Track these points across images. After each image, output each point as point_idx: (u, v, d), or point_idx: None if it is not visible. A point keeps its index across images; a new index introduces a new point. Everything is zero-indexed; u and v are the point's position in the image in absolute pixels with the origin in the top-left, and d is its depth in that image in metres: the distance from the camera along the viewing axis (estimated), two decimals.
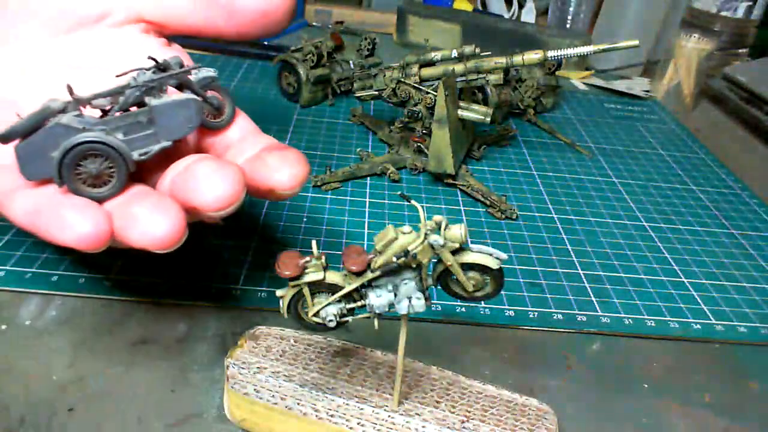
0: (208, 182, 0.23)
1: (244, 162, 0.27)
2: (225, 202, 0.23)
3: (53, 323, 0.34)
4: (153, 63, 0.27)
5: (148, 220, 0.23)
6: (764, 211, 0.56)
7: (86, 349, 0.33)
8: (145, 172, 0.27)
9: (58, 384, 0.31)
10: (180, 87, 0.28)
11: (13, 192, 0.25)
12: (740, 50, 0.90)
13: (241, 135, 0.30)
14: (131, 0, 0.30)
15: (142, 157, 0.25)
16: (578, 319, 0.40)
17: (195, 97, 0.27)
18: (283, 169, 0.26)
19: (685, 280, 0.45)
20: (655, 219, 0.53)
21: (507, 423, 0.28)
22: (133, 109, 0.26)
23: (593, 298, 0.42)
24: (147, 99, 0.26)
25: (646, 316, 0.40)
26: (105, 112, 0.26)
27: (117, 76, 0.27)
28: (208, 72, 0.29)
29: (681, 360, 0.38)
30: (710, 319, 0.41)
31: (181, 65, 0.28)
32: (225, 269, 0.40)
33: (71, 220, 0.23)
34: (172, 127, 0.26)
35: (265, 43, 0.85)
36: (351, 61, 0.68)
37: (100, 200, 0.25)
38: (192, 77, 0.28)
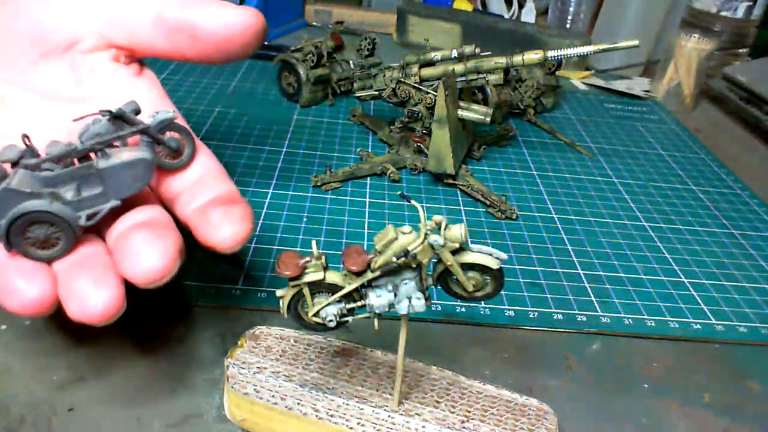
0: (140, 255, 0.24)
1: (192, 211, 0.28)
2: (156, 275, 0.24)
3: (53, 323, 0.34)
4: (108, 112, 0.27)
5: (88, 296, 0.23)
6: (764, 211, 0.56)
7: (86, 349, 0.33)
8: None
9: (58, 384, 0.31)
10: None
11: None
12: (740, 50, 0.90)
13: (199, 176, 0.30)
14: (100, 27, 0.31)
15: (90, 222, 0.26)
16: (578, 319, 0.40)
17: (145, 156, 0.27)
18: (223, 228, 0.26)
19: (685, 280, 0.45)
20: (655, 219, 0.53)
21: (507, 423, 0.28)
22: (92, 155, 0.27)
23: (593, 298, 0.42)
24: (95, 160, 0.26)
25: (646, 316, 0.40)
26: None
27: (74, 120, 0.28)
28: (166, 114, 0.29)
29: (681, 360, 0.38)
30: (710, 319, 0.41)
31: (137, 111, 0.28)
32: (225, 269, 0.40)
33: (17, 285, 0.23)
34: (121, 186, 0.27)
35: (265, 43, 0.85)
36: (351, 61, 0.68)
37: (48, 261, 0.25)
38: (149, 120, 0.28)
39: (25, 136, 0.26)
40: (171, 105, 0.33)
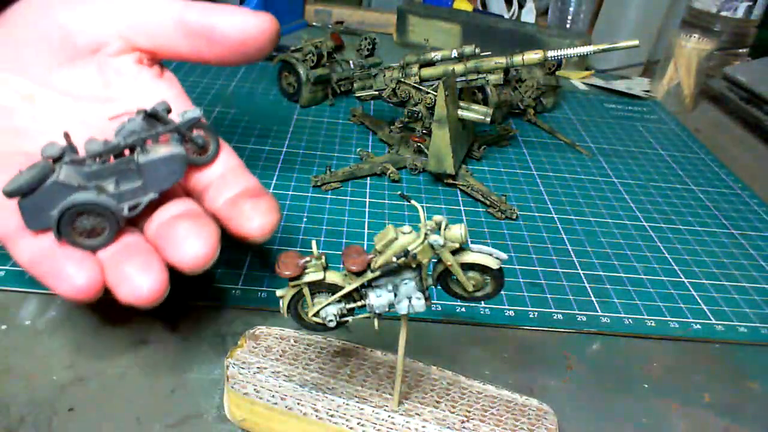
0: (186, 243, 0.26)
1: (222, 204, 0.30)
2: (201, 261, 0.26)
3: (53, 323, 0.34)
4: (143, 111, 0.29)
5: (136, 280, 0.25)
6: (764, 211, 0.56)
7: (86, 349, 0.33)
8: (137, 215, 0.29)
9: (58, 384, 0.31)
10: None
11: (17, 233, 0.27)
12: (740, 50, 0.90)
13: (224, 171, 0.31)
14: (125, 31, 0.32)
15: (132, 213, 0.28)
16: (578, 319, 0.40)
17: (180, 151, 0.29)
18: (255, 219, 0.28)
19: (685, 280, 0.45)
20: (655, 219, 0.53)
21: (507, 423, 0.28)
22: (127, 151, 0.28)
23: (593, 298, 0.42)
24: (135, 155, 0.28)
25: (646, 316, 0.40)
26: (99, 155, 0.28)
27: (110, 119, 0.29)
28: (194, 113, 0.30)
29: (681, 360, 0.38)
30: (710, 319, 0.41)
31: (168, 110, 0.30)
32: (225, 269, 0.40)
33: (68, 272, 0.25)
34: (159, 180, 0.28)
35: None
36: (351, 61, 0.68)
37: (94, 249, 0.27)
38: (178, 119, 0.30)
39: (66, 134, 0.27)
40: (190, 104, 0.34)
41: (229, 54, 0.32)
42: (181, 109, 0.31)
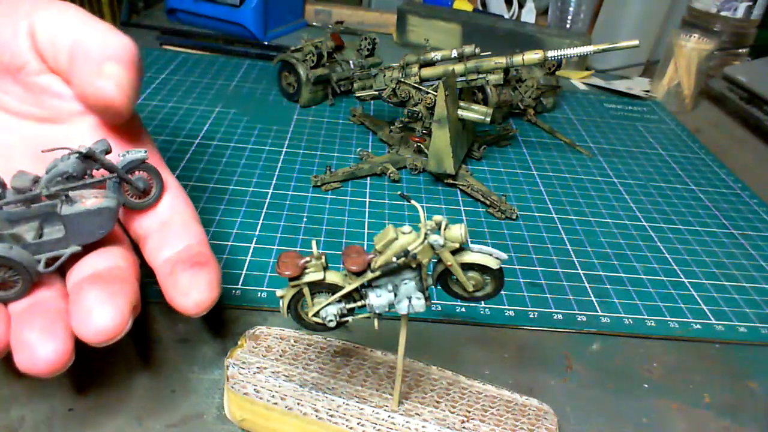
0: (92, 314, 0.23)
1: (161, 264, 0.28)
2: (104, 336, 0.23)
3: None
4: (77, 151, 0.27)
5: (35, 348, 0.23)
6: (764, 211, 0.56)
7: (86, 350, 0.33)
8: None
9: (58, 384, 0.31)
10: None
11: None
12: (740, 50, 0.90)
13: (168, 218, 0.30)
14: (44, 50, 0.30)
15: (48, 269, 0.26)
16: (578, 319, 0.40)
17: (109, 204, 0.27)
18: (191, 295, 0.26)
19: (685, 280, 0.45)
20: (655, 219, 0.53)
21: (507, 423, 0.28)
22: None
23: (593, 298, 0.42)
24: (58, 206, 0.26)
25: (646, 316, 0.40)
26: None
27: (42, 151, 0.27)
28: (137, 155, 0.29)
29: (681, 360, 0.38)
30: (710, 319, 0.41)
31: (107, 150, 0.28)
32: (225, 269, 0.40)
33: None
34: (83, 232, 0.27)
35: (265, 43, 0.85)
36: (351, 61, 0.68)
37: (4, 302, 0.25)
38: (119, 160, 0.29)
39: None
40: (141, 139, 0.32)
41: (95, 111, 0.30)
42: (129, 147, 0.30)
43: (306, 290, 0.25)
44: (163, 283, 0.27)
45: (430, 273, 0.26)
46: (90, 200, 0.27)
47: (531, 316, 0.39)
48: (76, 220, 0.26)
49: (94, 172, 0.28)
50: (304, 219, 0.47)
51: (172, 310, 0.36)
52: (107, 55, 0.28)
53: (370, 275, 0.24)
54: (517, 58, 0.51)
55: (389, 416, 0.28)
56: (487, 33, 0.88)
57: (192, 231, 0.30)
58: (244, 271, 0.40)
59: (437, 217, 0.24)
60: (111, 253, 0.28)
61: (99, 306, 0.24)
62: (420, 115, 0.53)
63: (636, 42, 0.49)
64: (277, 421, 0.28)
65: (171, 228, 0.30)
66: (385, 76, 0.55)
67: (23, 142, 0.30)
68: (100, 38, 0.29)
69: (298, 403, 0.28)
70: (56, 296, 0.26)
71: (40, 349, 0.23)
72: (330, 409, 0.28)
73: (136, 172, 0.29)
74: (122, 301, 0.24)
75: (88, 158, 0.27)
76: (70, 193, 0.27)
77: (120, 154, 0.29)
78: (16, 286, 0.25)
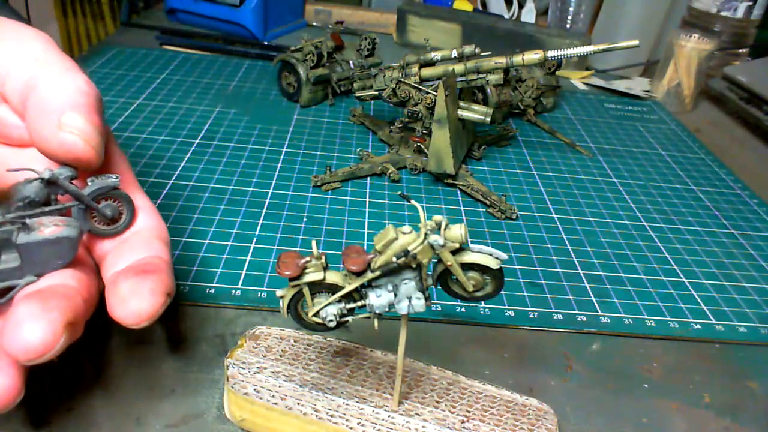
0: (22, 329, 0.21)
1: (108, 279, 0.26)
2: (33, 353, 0.21)
3: None
4: (40, 177, 0.25)
5: None
6: (764, 211, 0.56)
7: (86, 350, 0.33)
8: None
9: (58, 384, 0.31)
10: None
11: None
12: (740, 50, 0.90)
13: (128, 236, 0.29)
14: None
15: (1, 300, 0.24)
16: (578, 319, 0.40)
17: (69, 234, 0.25)
18: (129, 303, 0.24)
19: (685, 280, 0.45)
20: (655, 219, 0.53)
21: (507, 423, 0.28)
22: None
23: (593, 298, 0.42)
24: (14, 233, 0.24)
25: (646, 316, 0.40)
26: None
27: (7, 170, 0.26)
28: (106, 182, 0.27)
29: (681, 360, 0.38)
30: (710, 319, 0.41)
31: (74, 176, 0.26)
32: (225, 269, 0.40)
33: None
34: (41, 262, 0.25)
35: (265, 43, 0.85)
36: (351, 61, 0.68)
37: None
38: (87, 186, 0.27)
39: None
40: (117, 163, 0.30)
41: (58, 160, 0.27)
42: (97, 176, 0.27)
43: (306, 290, 0.25)
44: (106, 296, 0.25)
45: (430, 273, 0.26)
46: (49, 228, 0.25)
47: (531, 316, 0.39)
48: (33, 249, 0.24)
49: (60, 197, 0.27)
50: (304, 219, 0.47)
51: (173, 311, 0.36)
52: (66, 105, 0.26)
53: (370, 275, 0.24)
54: (517, 58, 0.51)
55: (389, 416, 0.28)
56: (487, 33, 0.88)
57: (154, 247, 0.28)
58: (244, 271, 0.40)
59: (437, 217, 0.24)
60: (61, 274, 0.26)
61: (29, 319, 0.22)
62: (420, 115, 0.53)
63: (636, 42, 0.49)
64: (277, 421, 0.28)
65: (129, 245, 0.28)
66: (385, 76, 0.55)
67: None
68: (56, 82, 0.27)
69: (298, 403, 0.28)
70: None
71: None
72: (330, 409, 0.28)
73: (106, 199, 0.28)
74: (55, 315, 0.22)
75: (52, 184, 0.26)
76: (29, 221, 0.25)
77: (89, 179, 0.27)
78: None
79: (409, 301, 0.24)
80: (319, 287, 0.25)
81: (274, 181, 0.51)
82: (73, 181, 0.27)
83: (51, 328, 0.22)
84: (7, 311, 0.24)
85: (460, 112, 0.52)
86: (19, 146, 0.29)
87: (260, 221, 0.46)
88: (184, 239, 0.42)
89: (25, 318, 0.22)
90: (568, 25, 0.97)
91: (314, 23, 0.98)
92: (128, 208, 0.29)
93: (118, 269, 0.27)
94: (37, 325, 0.22)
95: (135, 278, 0.25)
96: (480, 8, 1.08)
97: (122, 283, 0.25)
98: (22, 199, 0.25)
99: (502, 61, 0.51)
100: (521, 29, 0.87)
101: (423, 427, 0.27)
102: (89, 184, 0.27)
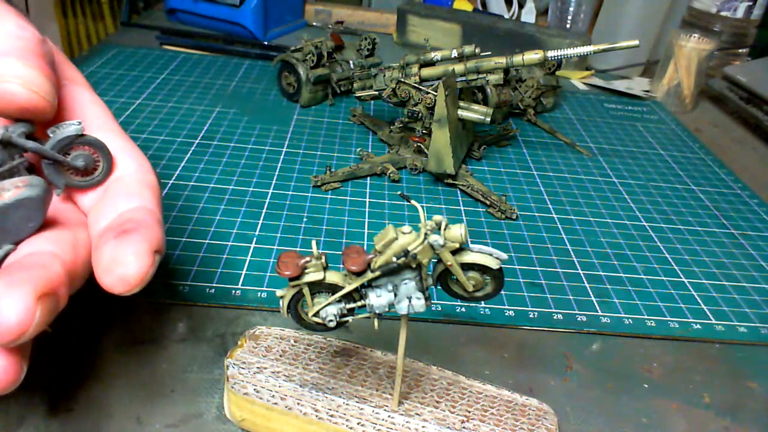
0: None
1: (94, 238, 0.24)
2: (10, 333, 0.20)
3: (52, 324, 0.34)
4: None
5: None
6: (764, 211, 0.56)
7: (86, 349, 0.33)
8: None
9: (58, 384, 0.31)
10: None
11: None
12: (740, 50, 0.90)
13: (108, 184, 0.26)
14: None
15: None
16: (578, 319, 0.40)
17: (32, 193, 0.23)
18: (113, 270, 0.22)
19: (685, 280, 0.45)
20: (655, 219, 0.53)
21: (507, 423, 0.28)
22: None
23: (593, 298, 0.42)
24: None
25: (646, 316, 0.40)
26: None
27: None
28: (67, 130, 0.25)
29: (681, 360, 0.38)
30: (710, 319, 0.41)
31: (30, 134, 0.24)
32: (224, 269, 0.40)
33: None
34: (11, 230, 0.23)
35: (265, 43, 0.85)
36: (351, 61, 0.68)
37: None
38: (49, 139, 0.25)
39: None
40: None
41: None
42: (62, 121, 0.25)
43: (306, 290, 0.25)
44: (92, 262, 0.23)
45: (430, 273, 0.26)
46: (9, 192, 0.23)
47: (531, 316, 0.39)
48: None
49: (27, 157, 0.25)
50: (304, 219, 0.47)
51: (172, 311, 0.36)
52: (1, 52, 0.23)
53: (370, 275, 0.24)
54: (517, 58, 0.51)
55: (389, 416, 0.28)
56: (487, 33, 0.88)
57: (137, 194, 0.26)
58: (244, 271, 0.40)
59: (437, 217, 0.24)
60: (40, 239, 0.24)
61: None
62: (420, 115, 0.53)
63: (636, 42, 0.49)
64: (277, 421, 0.28)
65: (109, 196, 0.26)
66: (385, 76, 0.55)
67: None
68: None
69: (298, 403, 0.28)
70: None
71: None
72: (330, 409, 0.28)
73: (75, 148, 0.25)
74: (24, 291, 0.20)
75: (7, 144, 0.24)
76: None
77: (49, 130, 0.25)
78: None
79: (409, 301, 0.24)
80: (319, 287, 0.25)
81: (274, 181, 0.51)
82: (34, 136, 0.24)
83: (21, 304, 0.20)
84: None
85: (460, 112, 0.52)
86: None
87: (260, 221, 0.46)
88: (184, 239, 0.42)
89: None
90: (568, 25, 0.97)
91: (314, 23, 0.98)
92: (104, 155, 0.26)
93: (100, 228, 0.24)
94: (6, 304, 0.20)
95: (115, 241, 0.23)
96: (480, 8, 1.08)
97: (103, 246, 0.23)
98: None
99: (502, 61, 0.51)
100: (521, 29, 0.87)
101: (423, 427, 0.27)
102: (50, 136, 0.25)
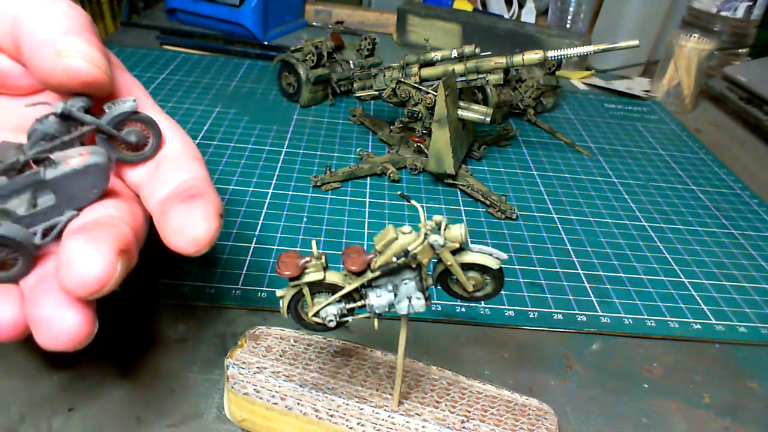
0: (74, 265, 0.21)
1: (154, 207, 0.26)
2: (92, 284, 0.21)
3: None
4: (52, 112, 0.25)
5: (52, 322, 0.22)
6: (764, 211, 0.56)
7: (87, 349, 0.33)
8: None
9: (58, 384, 0.31)
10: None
11: None
12: (740, 50, 0.90)
13: (158, 159, 0.28)
14: None
15: (46, 239, 0.24)
16: (578, 319, 0.40)
17: (97, 160, 0.24)
18: (186, 231, 0.23)
19: (685, 280, 0.45)
20: (655, 219, 0.53)
21: (507, 423, 0.28)
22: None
23: (593, 298, 0.42)
24: (41, 170, 0.24)
25: (646, 316, 0.40)
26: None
27: (26, 105, 0.26)
28: (123, 106, 0.26)
29: (681, 360, 0.38)
30: (710, 319, 0.41)
31: (88, 106, 0.26)
32: (224, 269, 0.40)
33: None
34: (75, 196, 0.24)
35: (265, 43, 0.85)
36: (351, 61, 0.68)
37: (10, 281, 0.24)
38: (105, 114, 0.26)
39: None
40: (130, 87, 0.29)
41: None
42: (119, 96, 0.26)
43: (306, 290, 0.25)
44: (158, 226, 0.24)
45: (430, 273, 0.26)
46: (75, 159, 0.24)
47: (531, 316, 0.39)
48: (64, 183, 0.24)
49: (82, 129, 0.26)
50: (304, 219, 0.47)
51: (172, 311, 0.36)
52: (57, 31, 0.25)
53: (370, 275, 0.24)
54: (517, 58, 0.51)
55: (389, 416, 0.28)
56: (487, 33, 0.88)
57: (187, 167, 0.27)
58: (244, 271, 0.40)
59: (437, 217, 0.24)
60: (102, 205, 0.25)
61: (79, 253, 0.21)
62: (420, 115, 0.53)
63: (636, 42, 0.49)
64: (277, 421, 0.28)
65: (163, 168, 0.27)
66: (385, 76, 0.55)
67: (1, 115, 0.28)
68: (39, 12, 0.25)
69: (298, 403, 0.28)
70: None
71: (59, 323, 0.22)
72: (330, 409, 0.28)
73: (128, 124, 0.27)
74: (106, 245, 0.21)
75: (67, 117, 0.25)
76: (54, 156, 0.24)
77: (105, 106, 0.26)
78: (17, 263, 0.24)
79: (409, 301, 0.24)
80: (319, 287, 0.25)
81: (274, 181, 0.51)
82: (91, 111, 0.26)
83: (103, 257, 0.21)
84: (56, 251, 0.24)
85: (460, 112, 0.52)
86: (32, 93, 0.28)
87: (260, 221, 0.46)
88: None
89: (75, 253, 0.21)
90: (568, 25, 0.97)
91: (314, 23, 0.98)
92: (154, 132, 0.28)
93: (160, 197, 0.26)
94: (90, 257, 0.21)
95: (183, 205, 0.24)
96: (480, 8, 1.08)
97: (172, 211, 0.24)
98: (41, 137, 0.24)
99: (502, 61, 0.51)
100: (521, 29, 0.87)
101: (423, 427, 0.27)
102: (106, 111, 0.26)
